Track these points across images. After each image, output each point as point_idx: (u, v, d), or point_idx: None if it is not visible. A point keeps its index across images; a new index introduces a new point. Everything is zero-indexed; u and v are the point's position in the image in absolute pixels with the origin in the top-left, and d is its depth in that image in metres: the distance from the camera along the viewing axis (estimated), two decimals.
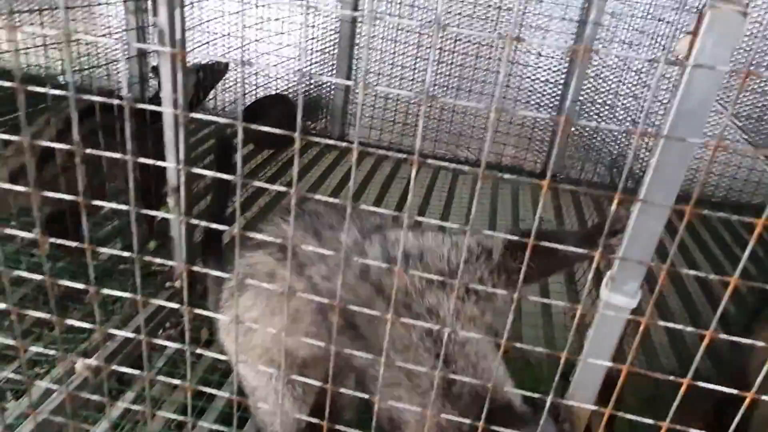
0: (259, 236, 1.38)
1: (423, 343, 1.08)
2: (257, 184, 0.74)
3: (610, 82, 3.39)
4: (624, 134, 3.15)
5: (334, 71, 3.74)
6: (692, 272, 0.60)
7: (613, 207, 0.61)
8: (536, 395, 0.76)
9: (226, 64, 2.55)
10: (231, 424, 0.91)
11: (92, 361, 1.37)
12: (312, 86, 3.86)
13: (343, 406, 1.58)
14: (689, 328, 0.65)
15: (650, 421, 0.72)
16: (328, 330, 1.13)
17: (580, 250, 0.66)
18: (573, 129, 3.53)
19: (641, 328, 0.68)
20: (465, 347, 1.09)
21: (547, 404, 0.73)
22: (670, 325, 0.64)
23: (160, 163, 0.74)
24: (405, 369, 1.09)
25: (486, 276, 1.15)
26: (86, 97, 0.74)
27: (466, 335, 1.09)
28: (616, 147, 3.39)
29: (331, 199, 0.70)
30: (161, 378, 0.89)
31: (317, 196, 0.69)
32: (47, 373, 1.67)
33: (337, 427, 0.87)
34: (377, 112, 3.79)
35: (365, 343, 1.11)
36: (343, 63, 3.72)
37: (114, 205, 0.76)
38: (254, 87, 3.75)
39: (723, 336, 0.64)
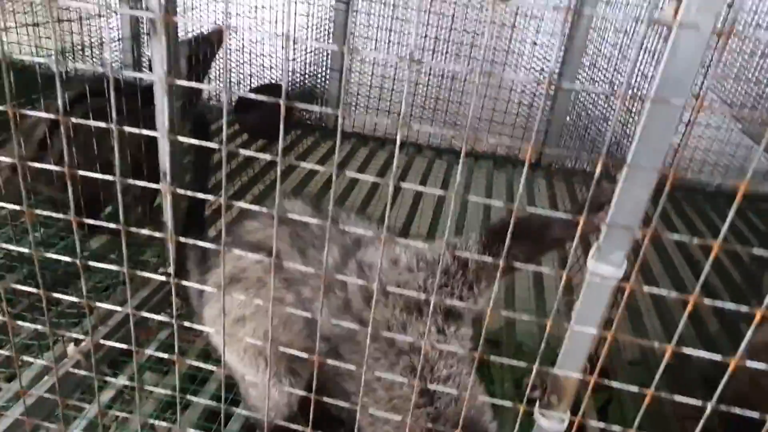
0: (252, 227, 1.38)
1: (407, 379, 1.09)
2: (242, 152, 0.74)
3: (605, 71, 3.39)
4: (619, 122, 3.15)
5: (329, 59, 3.73)
6: (675, 236, 0.60)
7: (597, 170, 0.62)
8: (522, 363, 0.76)
9: (220, 31, 2.51)
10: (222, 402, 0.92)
11: (87, 340, 1.36)
12: (307, 76, 3.85)
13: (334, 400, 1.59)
14: (673, 293, 0.65)
15: (635, 389, 0.72)
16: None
17: (558, 214, 0.66)
18: (568, 118, 3.53)
19: (626, 293, 0.68)
20: (448, 383, 1.11)
21: (533, 373, 0.74)
22: (654, 290, 0.64)
23: (147, 132, 0.73)
24: (390, 404, 1.11)
25: (465, 293, 1.16)
26: (72, 66, 0.74)
27: (448, 372, 1.11)
28: (612, 137, 3.39)
29: (319, 167, 0.70)
30: (153, 353, 0.89)
31: (303, 164, 0.69)
32: (39, 356, 1.67)
33: (325, 399, 0.88)
34: (372, 102, 3.79)
35: (349, 373, 1.11)
36: (338, 52, 3.71)
37: (101, 176, 0.76)
38: (248, 76, 3.74)
39: (707, 301, 0.64)
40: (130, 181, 0.75)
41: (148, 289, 1.95)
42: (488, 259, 0.69)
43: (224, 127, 0.67)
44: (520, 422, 0.85)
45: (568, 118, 3.52)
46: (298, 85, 3.86)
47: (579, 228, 0.61)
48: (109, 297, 1.96)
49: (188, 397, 0.91)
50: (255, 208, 0.73)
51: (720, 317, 2.25)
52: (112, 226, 0.80)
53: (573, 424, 0.80)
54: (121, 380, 1.53)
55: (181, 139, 0.74)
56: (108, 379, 1.37)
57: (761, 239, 2.95)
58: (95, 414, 1.52)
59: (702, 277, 0.65)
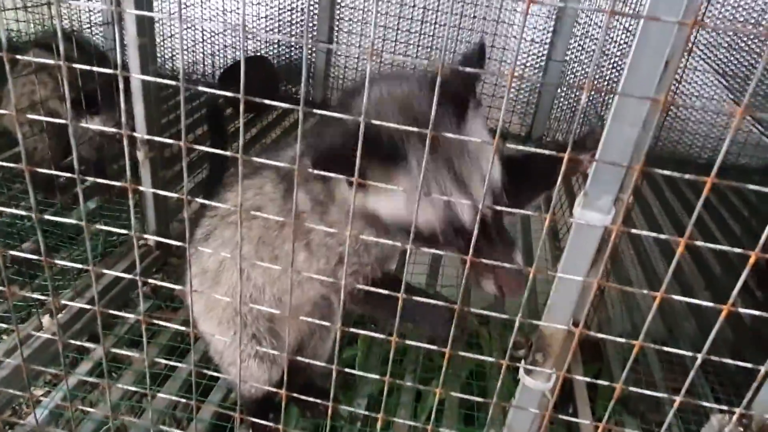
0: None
1: None
2: (201, 89, 0.68)
3: (597, 42, 3.32)
4: (611, 95, 3.10)
5: (316, 33, 3.64)
6: (665, 172, 0.56)
7: (584, 98, 0.57)
8: (504, 316, 0.72)
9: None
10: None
11: (56, 304, 1.31)
12: (293, 49, 3.76)
13: (316, 371, 1.53)
14: (664, 236, 0.61)
15: (621, 340, 0.69)
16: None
17: (544, 152, 0.61)
18: (558, 91, 3.48)
19: (613, 237, 0.64)
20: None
21: (516, 325, 0.70)
22: (643, 233, 0.60)
23: (102, 70, 0.67)
24: None
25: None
26: None
27: None
28: (603, 108, 3.34)
29: (286, 105, 0.65)
30: (117, 313, 0.85)
31: (267, 101, 0.63)
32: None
33: (301, 359, 0.84)
34: (360, 75, 3.70)
35: None
36: (324, 25, 3.62)
37: (48, 119, 0.71)
38: (224, 47, 3.65)
39: (700, 244, 0.60)
40: (83, 125, 0.69)
41: (127, 260, 1.90)
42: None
43: (181, 93, 0.62)
44: (504, 385, 0.82)
45: (558, 90, 3.47)
46: (284, 58, 3.78)
47: (564, 163, 0.57)
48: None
49: (170, 363, 0.87)
50: (207, 149, 0.68)
51: (712, 289, 2.24)
52: (67, 175, 0.74)
53: (560, 379, 0.77)
54: (95, 353, 1.49)
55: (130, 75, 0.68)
56: (71, 341, 1.32)
57: (752, 210, 2.94)
58: (73, 384, 1.48)
59: (695, 215, 0.61)
